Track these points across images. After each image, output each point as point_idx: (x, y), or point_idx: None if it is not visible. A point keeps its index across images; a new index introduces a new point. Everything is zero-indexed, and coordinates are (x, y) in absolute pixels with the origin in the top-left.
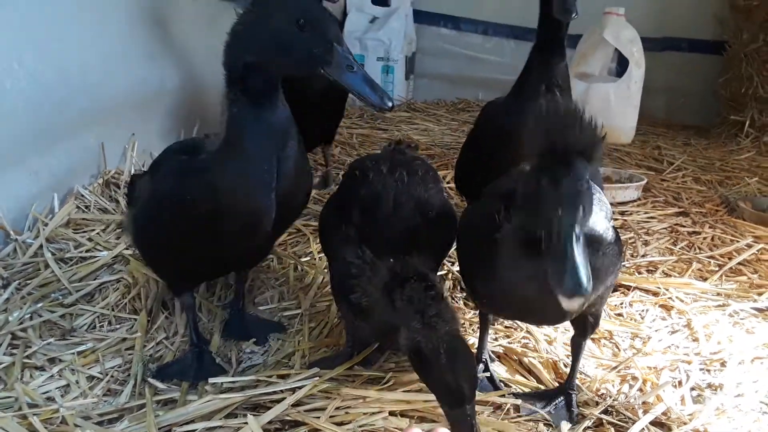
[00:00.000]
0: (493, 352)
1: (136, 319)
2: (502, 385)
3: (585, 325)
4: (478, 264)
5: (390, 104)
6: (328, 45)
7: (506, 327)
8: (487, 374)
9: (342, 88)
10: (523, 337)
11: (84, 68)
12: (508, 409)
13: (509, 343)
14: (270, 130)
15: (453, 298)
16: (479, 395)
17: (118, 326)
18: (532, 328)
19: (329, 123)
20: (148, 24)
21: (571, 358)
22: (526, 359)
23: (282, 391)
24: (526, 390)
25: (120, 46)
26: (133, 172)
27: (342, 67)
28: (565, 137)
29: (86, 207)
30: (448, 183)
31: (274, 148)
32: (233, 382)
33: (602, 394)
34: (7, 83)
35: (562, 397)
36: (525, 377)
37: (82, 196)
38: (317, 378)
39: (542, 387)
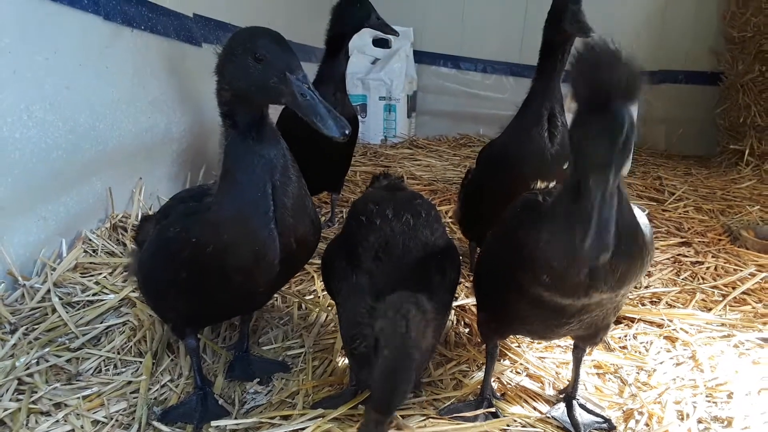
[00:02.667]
0: (497, 388)
1: (141, 362)
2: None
3: (594, 338)
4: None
5: (346, 131)
6: (281, 74)
7: (511, 363)
8: (492, 410)
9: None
10: (524, 367)
11: (92, 116)
12: None
13: (514, 373)
14: (260, 160)
15: (456, 333)
16: (482, 425)
17: (123, 369)
18: (535, 361)
19: (335, 170)
20: (154, 72)
21: (572, 367)
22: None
23: (291, 431)
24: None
25: (127, 95)
26: (140, 215)
27: (296, 96)
28: (601, 78)
29: (93, 251)
30: (450, 218)
31: (266, 176)
32: (237, 424)
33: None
34: (17, 133)
35: (562, 404)
36: (528, 411)
37: (90, 240)
38: (320, 419)
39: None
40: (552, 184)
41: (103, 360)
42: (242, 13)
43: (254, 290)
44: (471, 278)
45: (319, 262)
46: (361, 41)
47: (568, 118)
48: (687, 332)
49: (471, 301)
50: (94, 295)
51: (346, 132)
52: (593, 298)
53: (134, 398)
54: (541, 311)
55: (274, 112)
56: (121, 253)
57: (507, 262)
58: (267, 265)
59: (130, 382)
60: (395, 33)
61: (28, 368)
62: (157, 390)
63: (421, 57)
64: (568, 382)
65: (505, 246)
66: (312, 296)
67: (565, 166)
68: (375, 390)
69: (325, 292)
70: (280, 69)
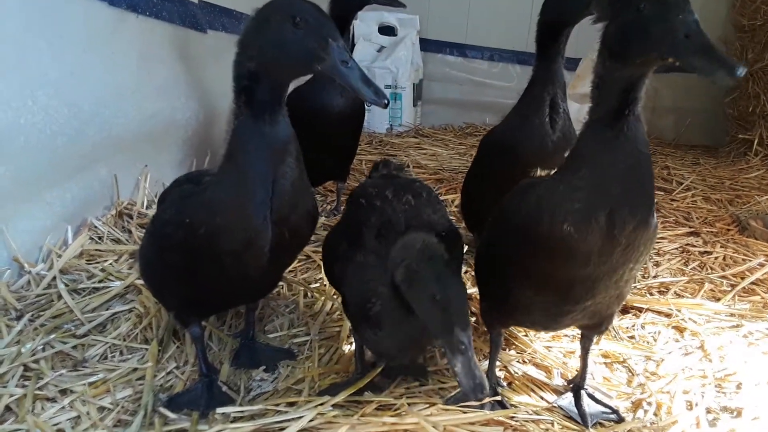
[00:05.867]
0: (504, 377)
1: (147, 349)
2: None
3: (599, 326)
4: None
5: (385, 101)
6: (323, 41)
7: (518, 353)
8: (498, 398)
9: (343, 86)
10: (531, 357)
11: (97, 102)
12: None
13: (521, 362)
14: (268, 145)
15: None
16: (489, 414)
17: (129, 356)
18: (542, 350)
19: (341, 159)
20: (159, 58)
21: (580, 357)
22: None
23: (292, 419)
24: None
25: (131, 81)
26: (146, 202)
27: (337, 63)
28: None
29: (99, 238)
30: (456, 207)
31: (271, 162)
32: (242, 411)
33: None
34: (22, 119)
35: (570, 393)
36: (536, 400)
37: (95, 227)
38: (329, 408)
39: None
40: (552, 173)
41: (109, 347)
42: (247, 0)
43: (246, 276)
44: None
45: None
46: (367, 29)
47: (570, 105)
48: (695, 322)
49: (476, 290)
50: (99, 282)
51: (386, 102)
52: (605, 262)
53: (140, 385)
54: (544, 297)
55: None
56: (127, 240)
57: (512, 240)
58: (257, 251)
59: (135, 369)
60: (403, 5)
61: (34, 354)
62: (162, 377)
63: (427, 45)
64: (575, 372)
65: (511, 221)
66: (318, 284)
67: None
68: (438, 314)
69: None
70: (322, 35)
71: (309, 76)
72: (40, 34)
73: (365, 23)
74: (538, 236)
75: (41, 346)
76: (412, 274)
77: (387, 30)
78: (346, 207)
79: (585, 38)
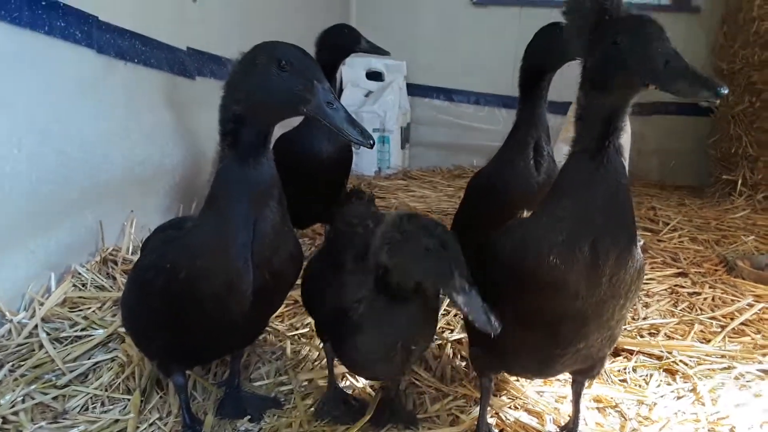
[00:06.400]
0: (495, 424)
1: (129, 399)
2: None
3: (591, 370)
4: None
5: (371, 142)
6: (308, 83)
7: (510, 398)
8: None
9: (328, 128)
10: (523, 403)
11: (84, 148)
12: None
13: (512, 409)
14: (250, 187)
15: (453, 368)
16: None
17: (111, 407)
18: (534, 396)
19: (329, 202)
20: (147, 105)
21: (572, 402)
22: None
23: None
24: None
25: (120, 127)
26: (131, 248)
27: (322, 104)
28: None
29: (83, 285)
30: None
31: (252, 205)
32: None
33: None
34: (7, 168)
35: None
36: None
37: (79, 273)
38: None
39: None
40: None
41: (91, 397)
42: (236, 47)
43: (230, 321)
44: None
45: None
46: (355, 74)
47: (563, 148)
48: (687, 364)
49: (465, 335)
50: (82, 330)
51: (371, 142)
52: (593, 294)
53: None
54: (534, 336)
55: None
56: (111, 287)
57: (500, 277)
58: (239, 295)
59: (117, 421)
60: (386, 53)
61: (13, 406)
62: (145, 429)
63: (414, 90)
64: (568, 417)
65: (498, 258)
66: (306, 329)
67: None
68: (434, 264)
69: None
70: (308, 77)
71: (297, 121)
72: (29, 81)
73: (353, 69)
74: (526, 270)
75: (21, 398)
76: (396, 244)
77: (374, 75)
78: (332, 232)
79: (570, 82)
